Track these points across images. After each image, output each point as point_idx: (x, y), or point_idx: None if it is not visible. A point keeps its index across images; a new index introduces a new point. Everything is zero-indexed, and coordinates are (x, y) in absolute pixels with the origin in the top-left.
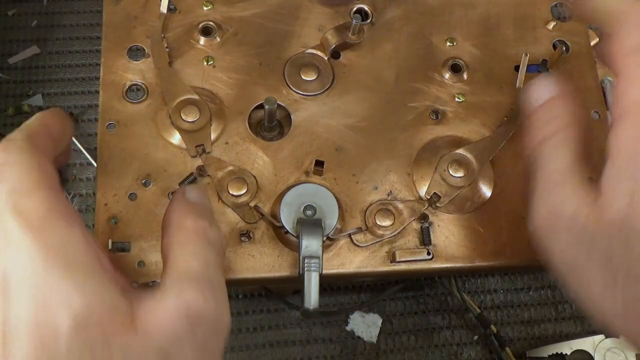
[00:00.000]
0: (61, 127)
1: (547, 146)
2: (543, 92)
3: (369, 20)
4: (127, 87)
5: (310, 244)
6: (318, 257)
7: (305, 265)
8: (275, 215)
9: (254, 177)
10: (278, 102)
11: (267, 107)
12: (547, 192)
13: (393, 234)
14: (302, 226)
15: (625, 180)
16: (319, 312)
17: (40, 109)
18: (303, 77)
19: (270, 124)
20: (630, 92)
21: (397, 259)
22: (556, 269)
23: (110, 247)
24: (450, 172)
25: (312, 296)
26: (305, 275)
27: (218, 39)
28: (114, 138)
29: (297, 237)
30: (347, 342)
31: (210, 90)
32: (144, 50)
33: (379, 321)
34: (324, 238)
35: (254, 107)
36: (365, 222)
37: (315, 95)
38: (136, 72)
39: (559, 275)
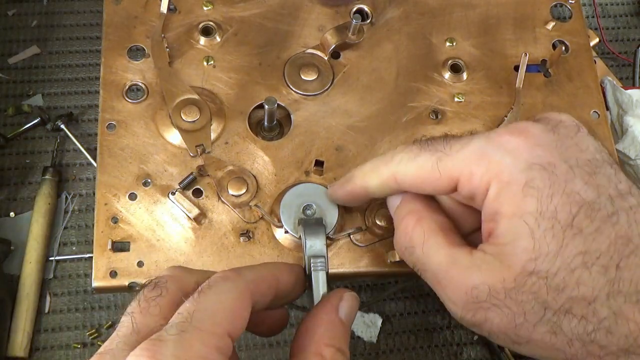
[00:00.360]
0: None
1: (417, 249)
2: (394, 200)
3: (369, 20)
4: (127, 87)
5: (314, 243)
6: (323, 256)
7: (312, 265)
8: (275, 215)
9: (254, 177)
10: (278, 102)
11: (267, 107)
12: (447, 285)
13: (393, 234)
14: (305, 226)
15: (519, 238)
16: None
17: (40, 109)
18: (303, 77)
19: (270, 124)
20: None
21: (397, 259)
22: (501, 339)
23: (110, 247)
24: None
25: (320, 295)
26: (313, 275)
27: (218, 39)
28: (114, 138)
29: (299, 237)
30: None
31: (211, 90)
32: (144, 50)
33: (379, 321)
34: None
35: (254, 107)
36: (365, 221)
37: (315, 95)
38: (136, 72)
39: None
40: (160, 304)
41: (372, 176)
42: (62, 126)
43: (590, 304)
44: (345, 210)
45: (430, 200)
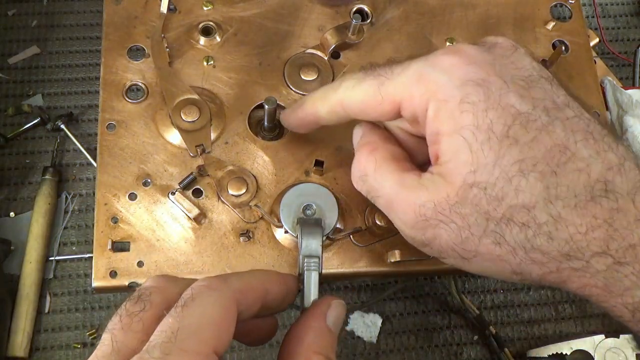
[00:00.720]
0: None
1: (369, 177)
2: (355, 135)
3: (368, 20)
4: (127, 87)
5: (310, 243)
6: (318, 257)
7: (305, 264)
8: (275, 215)
9: (254, 176)
10: (278, 102)
11: (267, 106)
12: (398, 207)
13: (393, 234)
14: (302, 226)
15: (459, 153)
16: None
17: (40, 109)
18: (303, 77)
19: (270, 124)
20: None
21: (397, 259)
22: (446, 253)
23: (110, 247)
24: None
25: (311, 295)
26: (305, 275)
27: (218, 39)
28: (114, 138)
29: (297, 236)
30: (347, 342)
31: (210, 90)
32: (144, 50)
33: (379, 321)
34: (324, 238)
35: (254, 107)
36: (365, 221)
37: None
38: (136, 72)
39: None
40: (143, 319)
41: (321, 103)
42: (62, 126)
43: (529, 210)
44: (345, 210)
45: (386, 133)
